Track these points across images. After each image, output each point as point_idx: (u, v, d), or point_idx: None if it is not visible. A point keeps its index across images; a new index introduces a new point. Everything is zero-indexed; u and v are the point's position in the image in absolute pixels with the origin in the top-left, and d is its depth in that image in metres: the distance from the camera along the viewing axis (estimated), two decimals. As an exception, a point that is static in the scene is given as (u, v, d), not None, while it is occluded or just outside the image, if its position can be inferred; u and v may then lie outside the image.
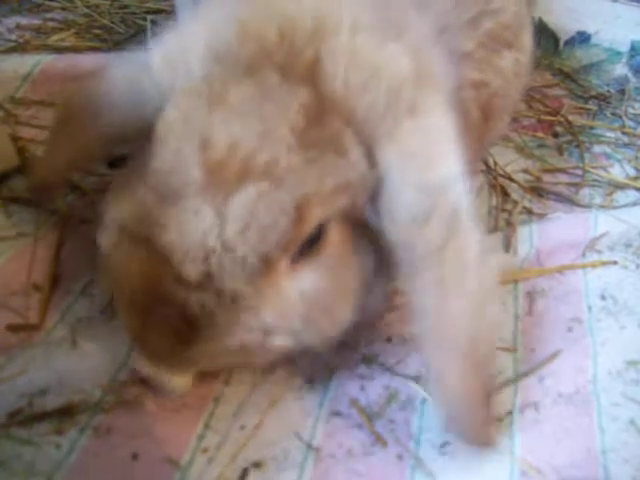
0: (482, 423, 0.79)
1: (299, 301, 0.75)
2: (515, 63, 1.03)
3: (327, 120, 0.72)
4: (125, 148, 1.01)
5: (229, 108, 0.71)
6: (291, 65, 0.74)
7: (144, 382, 0.88)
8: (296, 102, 0.71)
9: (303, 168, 0.69)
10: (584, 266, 1.22)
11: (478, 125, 1.01)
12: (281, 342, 0.77)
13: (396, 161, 0.74)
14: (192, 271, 0.69)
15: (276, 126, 0.69)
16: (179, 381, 0.87)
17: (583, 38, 2.19)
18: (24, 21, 1.82)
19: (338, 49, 0.75)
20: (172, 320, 0.71)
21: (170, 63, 0.83)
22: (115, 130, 0.93)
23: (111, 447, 0.84)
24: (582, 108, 1.89)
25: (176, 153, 0.71)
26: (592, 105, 1.91)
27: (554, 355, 1.03)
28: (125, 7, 1.96)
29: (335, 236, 0.77)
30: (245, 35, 0.77)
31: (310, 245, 0.74)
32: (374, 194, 0.76)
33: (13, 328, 0.97)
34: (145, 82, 0.87)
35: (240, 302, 0.71)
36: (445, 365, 0.77)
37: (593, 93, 1.97)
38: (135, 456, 0.83)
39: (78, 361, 0.92)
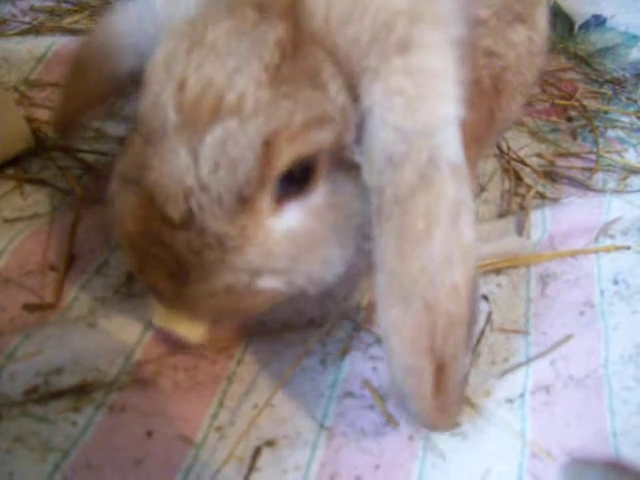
0: (426, 397, 0.71)
1: (285, 239, 0.74)
2: (528, 40, 1.02)
3: (305, 54, 0.70)
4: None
5: (206, 48, 0.70)
6: (271, 2, 0.72)
7: (165, 346, 0.91)
8: (272, 38, 0.69)
9: (273, 103, 0.67)
10: (597, 250, 1.23)
11: (488, 96, 0.99)
12: (270, 284, 0.76)
13: (380, 99, 0.70)
14: (174, 211, 0.69)
15: (248, 62, 0.68)
16: (194, 331, 0.88)
17: (598, 22, 2.17)
18: (38, 3, 1.82)
19: None
20: (164, 260, 0.72)
21: (171, 1, 0.83)
22: (125, 69, 0.94)
23: (126, 425, 0.85)
24: (597, 92, 1.88)
25: (156, 96, 0.71)
26: (607, 89, 1.90)
27: (566, 338, 1.04)
28: (138, -11, 1.95)
29: (325, 177, 0.75)
30: None
31: (299, 185, 0.73)
32: (360, 134, 0.73)
33: (29, 307, 0.98)
34: (148, 22, 0.87)
35: (225, 243, 0.71)
36: (394, 324, 0.70)
37: (608, 77, 1.96)
38: (150, 433, 0.84)
39: (93, 340, 0.93)
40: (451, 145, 0.71)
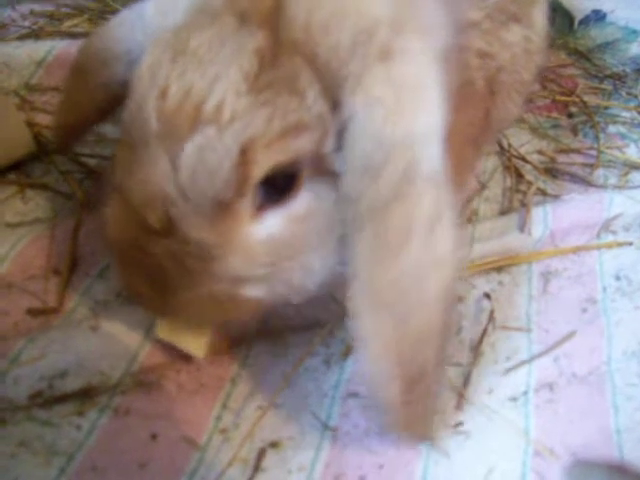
0: (395, 409, 0.72)
1: (265, 246, 0.74)
2: (525, 40, 1.01)
3: (283, 61, 0.70)
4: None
5: (189, 56, 0.71)
6: (252, 10, 0.72)
7: (169, 350, 0.92)
8: (251, 46, 0.69)
9: (250, 112, 0.68)
10: (599, 247, 1.23)
11: (483, 97, 0.98)
12: (252, 292, 0.77)
13: (360, 108, 0.70)
14: (153, 218, 0.70)
15: (227, 71, 0.68)
16: (197, 346, 0.89)
17: (598, 17, 2.17)
18: (37, 7, 1.82)
19: None
20: (145, 267, 0.73)
21: (161, 12, 0.84)
22: (118, 76, 0.94)
23: (130, 428, 0.85)
24: (597, 88, 1.87)
25: (139, 103, 0.72)
26: (607, 85, 1.89)
27: (568, 335, 1.04)
28: (137, -8, 1.96)
29: (306, 185, 0.75)
30: None
31: (281, 192, 0.73)
32: (340, 143, 0.73)
33: (32, 312, 0.98)
34: (139, 31, 0.88)
35: (206, 250, 0.72)
36: (366, 334, 0.70)
37: (608, 73, 1.95)
38: (154, 436, 0.85)
39: (97, 344, 0.93)
40: (430, 157, 0.71)
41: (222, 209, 0.70)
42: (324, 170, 0.74)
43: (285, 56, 0.70)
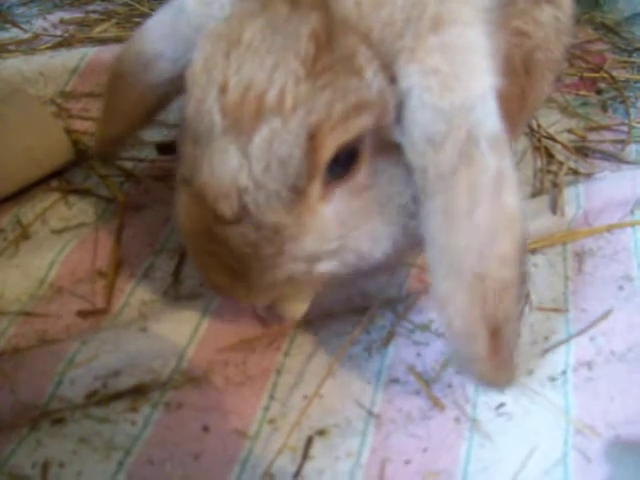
0: (484, 359, 0.76)
1: (336, 222, 0.77)
2: (555, 20, 1.02)
3: (339, 42, 0.71)
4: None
5: (243, 48, 0.72)
6: None
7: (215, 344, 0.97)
8: (305, 30, 0.71)
9: (312, 97, 0.69)
10: (633, 224, 1.22)
11: (520, 76, 1.00)
12: (327, 268, 0.80)
13: (417, 80, 0.72)
14: (226, 208, 0.73)
15: (285, 58, 0.70)
16: (294, 308, 0.95)
17: (625, -12, 2.14)
18: (67, 15, 1.87)
19: None
20: (221, 256, 0.76)
21: (203, 1, 0.86)
22: (166, 77, 0.97)
23: (182, 421, 0.89)
24: (626, 62, 1.86)
25: (200, 101, 0.74)
26: (637, 58, 1.87)
27: (606, 314, 1.04)
28: (162, -7, 1.99)
29: (368, 160, 0.77)
30: None
31: (344, 168, 0.76)
32: (399, 114, 0.75)
33: (83, 314, 1.03)
34: (183, 25, 0.90)
35: (282, 233, 0.75)
36: (448, 295, 0.75)
37: (637, 45, 1.93)
38: (206, 429, 0.88)
39: (146, 343, 0.97)
40: (489, 118, 0.73)
41: (294, 193, 0.73)
42: (384, 141, 0.76)
43: (340, 36, 0.72)
